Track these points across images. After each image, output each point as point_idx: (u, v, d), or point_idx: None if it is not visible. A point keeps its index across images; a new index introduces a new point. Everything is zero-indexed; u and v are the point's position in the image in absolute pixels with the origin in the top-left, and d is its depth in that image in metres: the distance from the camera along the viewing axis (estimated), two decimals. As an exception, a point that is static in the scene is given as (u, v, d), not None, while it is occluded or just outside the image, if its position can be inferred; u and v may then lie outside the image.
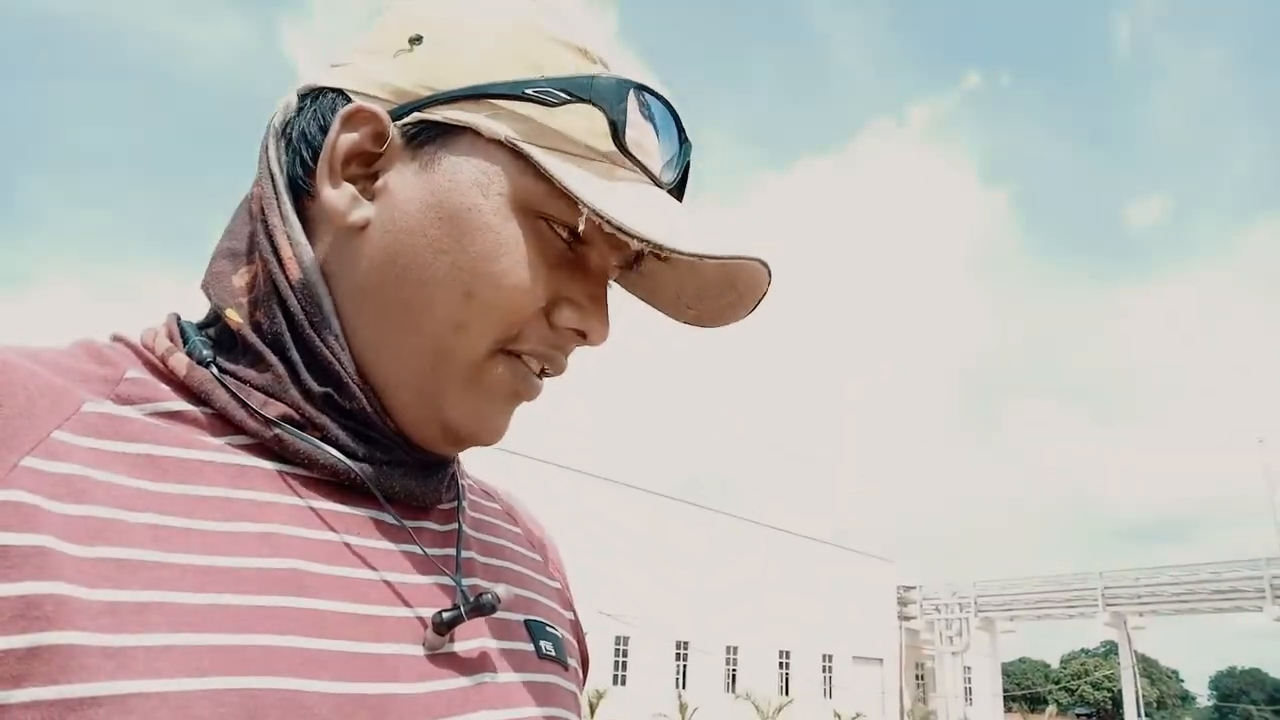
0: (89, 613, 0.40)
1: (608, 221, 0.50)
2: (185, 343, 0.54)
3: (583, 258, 0.56)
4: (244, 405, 0.51)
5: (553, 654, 0.61)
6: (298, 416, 0.52)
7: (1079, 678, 72.42)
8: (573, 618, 0.73)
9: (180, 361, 0.52)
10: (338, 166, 0.55)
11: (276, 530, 0.49)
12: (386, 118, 0.54)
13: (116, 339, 0.54)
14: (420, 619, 0.52)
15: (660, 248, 0.50)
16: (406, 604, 0.52)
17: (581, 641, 0.73)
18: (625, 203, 0.52)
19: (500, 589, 0.54)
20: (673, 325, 0.61)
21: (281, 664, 0.44)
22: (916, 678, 39.52)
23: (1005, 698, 41.06)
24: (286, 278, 0.54)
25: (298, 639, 0.45)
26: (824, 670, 35.25)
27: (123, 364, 0.51)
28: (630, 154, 0.53)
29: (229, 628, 0.44)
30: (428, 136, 0.54)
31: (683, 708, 27.27)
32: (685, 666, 30.75)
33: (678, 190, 0.59)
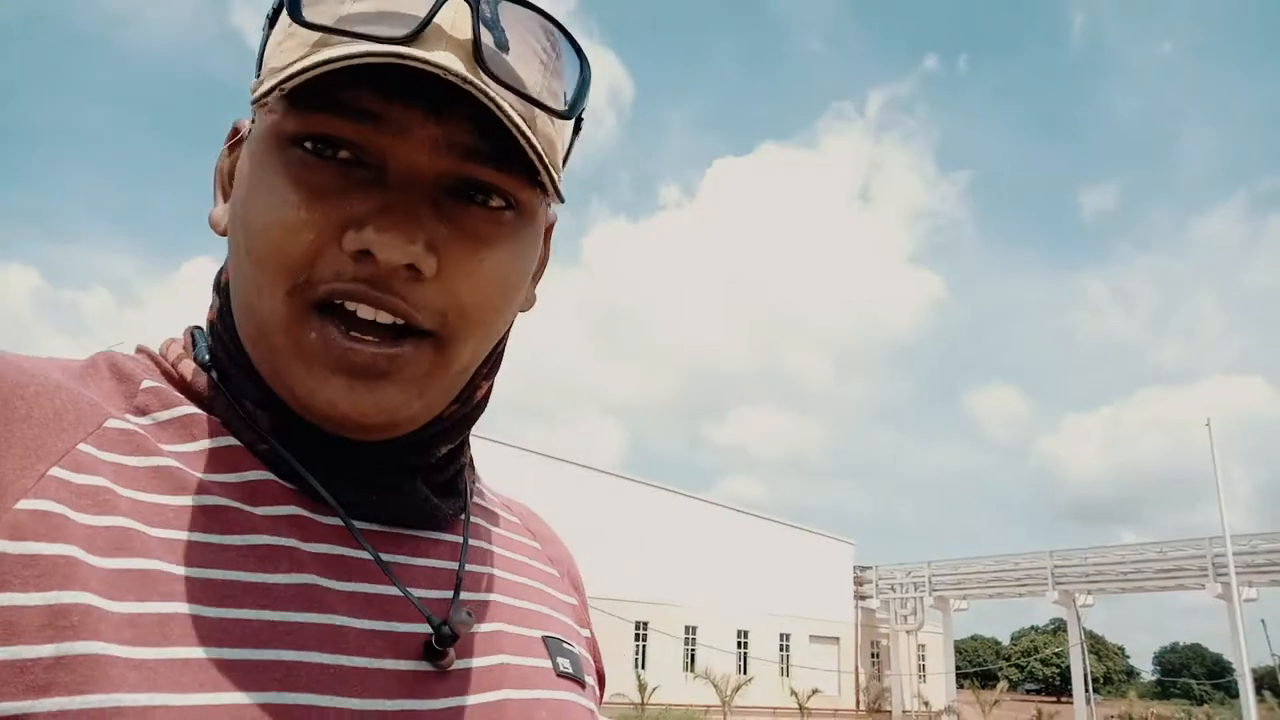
0: (112, 624, 0.41)
1: (262, 95, 0.46)
2: (195, 350, 0.55)
3: (381, 172, 0.48)
4: (239, 415, 0.52)
5: (570, 671, 0.60)
6: (285, 428, 0.52)
7: (1029, 654, 74.16)
8: (589, 635, 0.71)
9: (188, 367, 0.54)
10: (225, 185, 0.57)
11: (293, 545, 0.49)
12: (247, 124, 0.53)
13: (140, 350, 0.56)
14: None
15: (270, 87, 0.45)
16: (418, 620, 0.51)
17: (598, 659, 0.72)
18: (288, 61, 0.47)
19: (461, 616, 0.52)
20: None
21: (302, 680, 0.44)
22: (872, 656, 40.19)
23: (957, 674, 41.93)
24: (218, 284, 0.57)
25: (317, 654, 0.45)
26: (782, 649, 35.72)
27: (140, 375, 0.52)
28: (311, 23, 0.46)
29: (249, 643, 0.44)
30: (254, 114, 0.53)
31: (642, 688, 27.48)
32: (644, 647, 30.99)
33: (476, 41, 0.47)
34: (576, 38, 0.52)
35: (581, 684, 0.61)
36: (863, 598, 39.49)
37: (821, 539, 38.67)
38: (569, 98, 0.51)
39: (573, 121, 0.55)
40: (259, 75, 0.52)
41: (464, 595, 0.56)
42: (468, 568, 0.58)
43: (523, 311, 0.59)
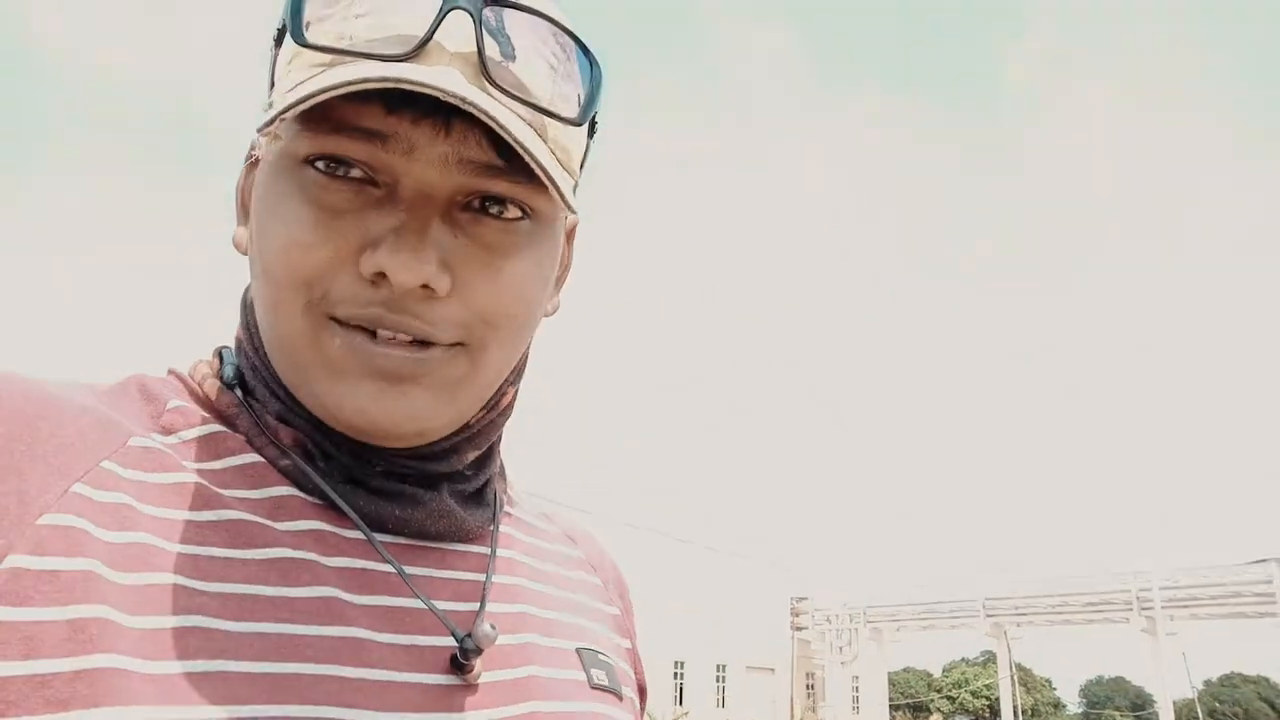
0: (131, 638, 0.41)
1: (269, 122, 0.45)
2: (222, 368, 0.56)
3: (394, 191, 0.48)
4: (263, 432, 0.53)
5: (605, 683, 0.59)
6: (309, 443, 0.53)
7: (960, 686, 74.97)
8: (630, 646, 0.70)
9: (212, 386, 0.54)
10: (246, 204, 0.57)
11: (314, 559, 0.49)
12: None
13: (170, 372, 0.56)
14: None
15: (275, 114, 0.44)
16: (443, 633, 0.51)
17: (639, 670, 0.70)
18: (295, 88, 0.46)
19: (485, 630, 0.51)
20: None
21: (321, 693, 0.44)
22: (807, 687, 40.27)
23: (891, 706, 42.18)
24: (244, 305, 0.58)
25: (337, 668, 0.45)
26: (718, 680, 35.58)
27: (167, 396, 0.53)
28: (314, 45, 0.46)
29: (268, 656, 0.44)
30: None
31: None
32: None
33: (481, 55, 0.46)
34: (585, 41, 0.51)
35: (618, 696, 0.60)
36: (799, 629, 39.61)
37: (756, 566, 38.77)
38: (581, 102, 0.51)
39: (587, 125, 0.54)
40: (270, 96, 0.52)
41: (491, 607, 0.55)
42: (495, 579, 0.57)
43: (546, 317, 0.58)
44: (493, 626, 0.52)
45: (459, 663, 0.50)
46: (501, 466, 0.64)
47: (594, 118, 0.54)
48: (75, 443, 0.45)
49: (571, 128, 0.50)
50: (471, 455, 0.57)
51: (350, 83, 0.43)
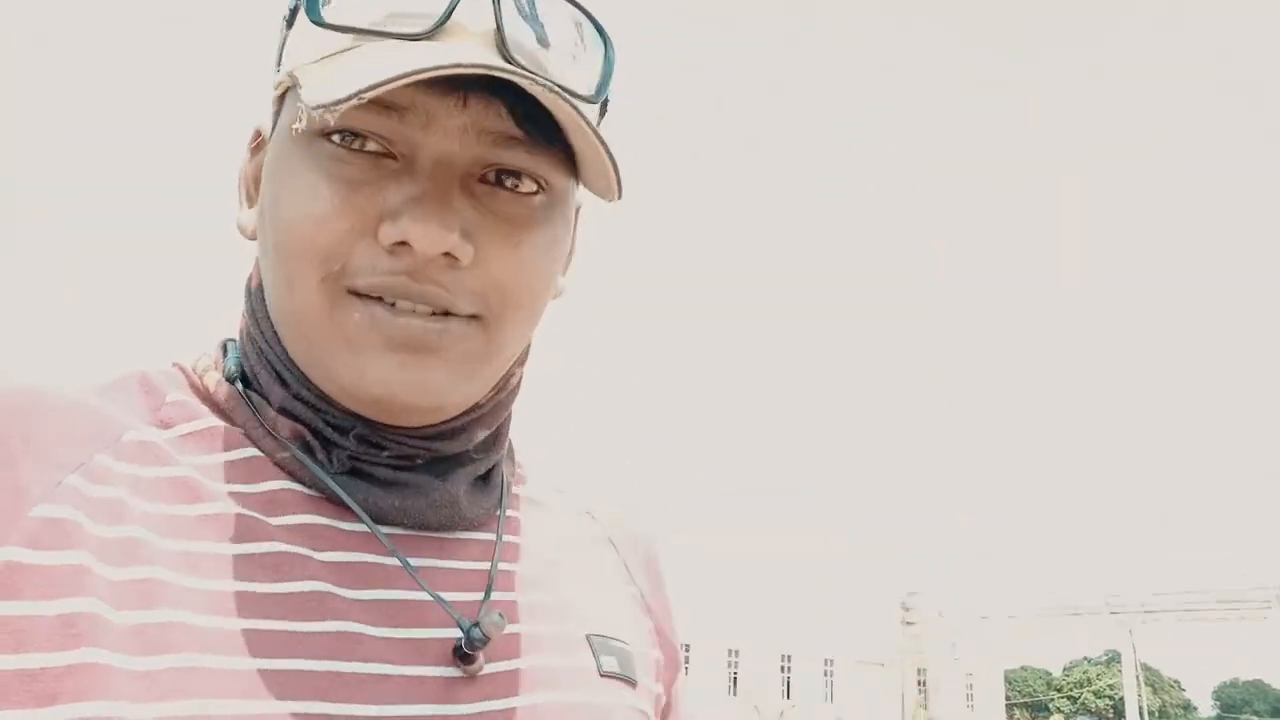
0: (118, 633, 0.41)
1: (300, 108, 0.45)
2: (226, 361, 0.55)
3: (411, 162, 0.48)
4: (261, 425, 0.52)
5: (616, 670, 0.57)
6: (308, 434, 0.52)
7: (1082, 686, 72.19)
8: (653, 625, 0.66)
9: (213, 379, 0.54)
10: (250, 190, 0.57)
11: (307, 554, 0.48)
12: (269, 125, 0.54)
13: (174, 365, 0.56)
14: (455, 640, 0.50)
15: (324, 105, 0.43)
16: (441, 625, 0.50)
17: (669, 648, 0.67)
18: (322, 79, 0.45)
19: (493, 618, 0.50)
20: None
21: (311, 689, 0.44)
22: (919, 683, 39.37)
23: (1007, 705, 40.89)
24: (248, 290, 0.57)
25: (329, 663, 0.45)
26: (825, 674, 35.12)
27: (167, 389, 0.53)
28: (331, 25, 0.47)
29: (258, 652, 0.43)
30: (276, 117, 0.53)
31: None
32: (685, 669, 30.61)
33: (495, 36, 0.47)
34: (600, 20, 0.51)
35: (632, 682, 0.58)
36: (910, 624, 38.74)
37: (867, 560, 38.08)
38: (596, 81, 0.51)
39: (599, 106, 0.54)
40: (278, 71, 0.53)
41: (496, 595, 0.54)
42: (501, 566, 0.56)
43: (554, 299, 0.57)
44: (501, 615, 0.51)
45: (464, 654, 0.49)
46: (510, 448, 0.64)
47: (606, 98, 0.53)
48: (69, 436, 0.45)
49: (586, 105, 0.50)
50: (481, 435, 0.56)
51: (380, 84, 0.42)
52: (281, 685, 0.43)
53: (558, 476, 0.69)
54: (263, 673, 0.43)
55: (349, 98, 0.42)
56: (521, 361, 0.59)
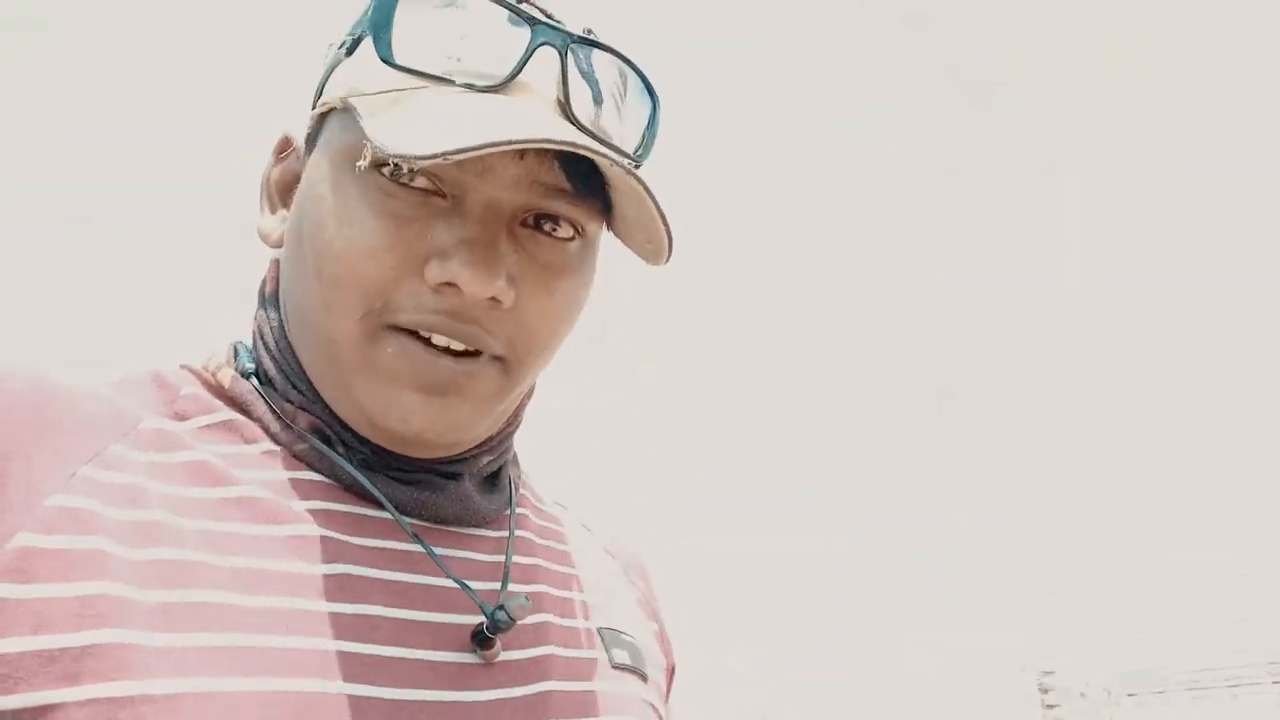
0: (141, 612, 0.41)
1: (376, 148, 0.45)
2: (237, 360, 0.57)
3: (461, 203, 0.49)
4: (278, 417, 0.53)
5: (627, 663, 0.59)
6: (326, 430, 0.53)
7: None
8: (657, 628, 0.70)
9: (227, 375, 0.55)
10: (274, 196, 0.59)
11: (329, 536, 0.49)
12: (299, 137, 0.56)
13: (183, 366, 0.57)
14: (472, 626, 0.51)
15: (404, 157, 0.43)
16: (459, 611, 0.51)
17: (669, 652, 0.71)
18: (394, 122, 0.46)
19: (519, 600, 0.51)
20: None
21: (332, 668, 0.44)
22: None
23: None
24: (263, 295, 0.58)
25: (350, 644, 0.45)
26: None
27: (180, 384, 0.54)
28: (401, 66, 0.48)
29: (280, 630, 0.44)
30: (315, 133, 0.54)
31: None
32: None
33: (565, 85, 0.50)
34: (645, 72, 0.54)
35: (642, 676, 0.60)
36: (1049, 706, 33.43)
37: (994, 635, 32.47)
38: (639, 141, 0.54)
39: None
40: (321, 89, 0.54)
41: (512, 588, 0.55)
42: (515, 559, 0.57)
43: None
44: (526, 598, 0.52)
45: (484, 638, 0.50)
46: (515, 455, 0.65)
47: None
48: (83, 427, 0.46)
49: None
50: (485, 461, 0.58)
51: (495, 144, 0.42)
52: (305, 664, 0.43)
53: (554, 494, 0.73)
54: (287, 651, 0.43)
55: (434, 156, 0.42)
56: (530, 395, 0.61)
